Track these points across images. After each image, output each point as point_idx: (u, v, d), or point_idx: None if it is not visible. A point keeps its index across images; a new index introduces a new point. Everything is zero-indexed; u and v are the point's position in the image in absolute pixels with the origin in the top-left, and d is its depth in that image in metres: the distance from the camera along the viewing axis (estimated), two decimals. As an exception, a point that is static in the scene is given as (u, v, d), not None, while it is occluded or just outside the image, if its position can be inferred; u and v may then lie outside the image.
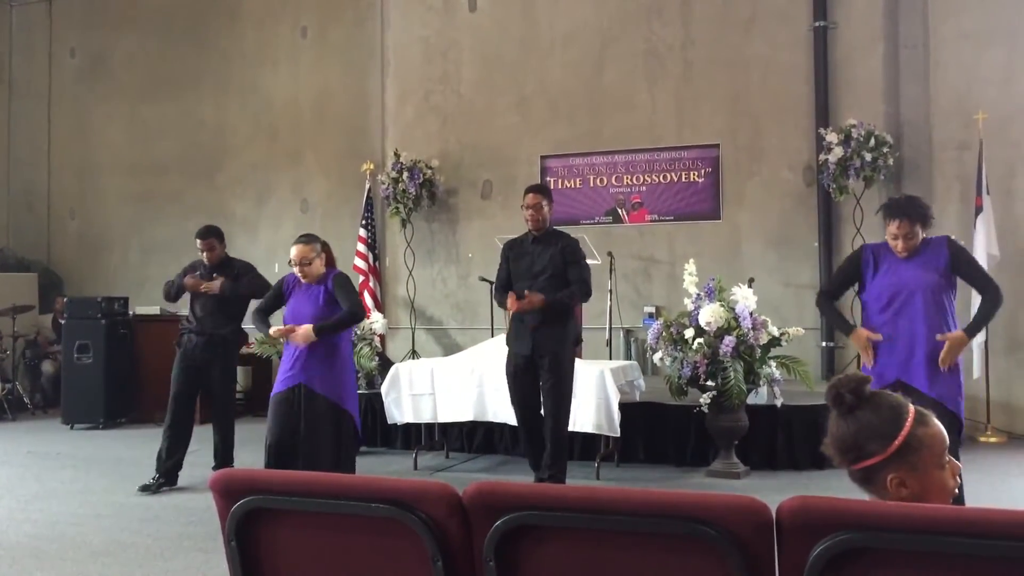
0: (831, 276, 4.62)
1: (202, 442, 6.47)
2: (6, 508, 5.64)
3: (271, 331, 5.13)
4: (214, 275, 6.17)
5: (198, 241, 6.21)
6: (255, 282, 6.15)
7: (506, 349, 5.81)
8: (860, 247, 4.46)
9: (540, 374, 5.53)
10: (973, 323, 4.34)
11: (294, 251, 5.11)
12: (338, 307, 5.09)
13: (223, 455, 6.24)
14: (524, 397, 5.63)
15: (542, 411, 5.63)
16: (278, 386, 5.07)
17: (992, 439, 7.48)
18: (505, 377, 5.79)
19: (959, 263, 4.21)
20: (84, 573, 4.35)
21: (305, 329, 4.95)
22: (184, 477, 6.14)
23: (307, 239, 5.17)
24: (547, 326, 5.50)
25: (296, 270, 5.13)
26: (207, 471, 5.73)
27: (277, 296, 5.28)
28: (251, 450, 6.56)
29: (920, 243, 4.19)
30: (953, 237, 4.35)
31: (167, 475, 6.03)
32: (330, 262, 5.27)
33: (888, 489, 1.76)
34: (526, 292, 5.41)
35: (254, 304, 5.60)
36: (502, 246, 5.94)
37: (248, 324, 5.94)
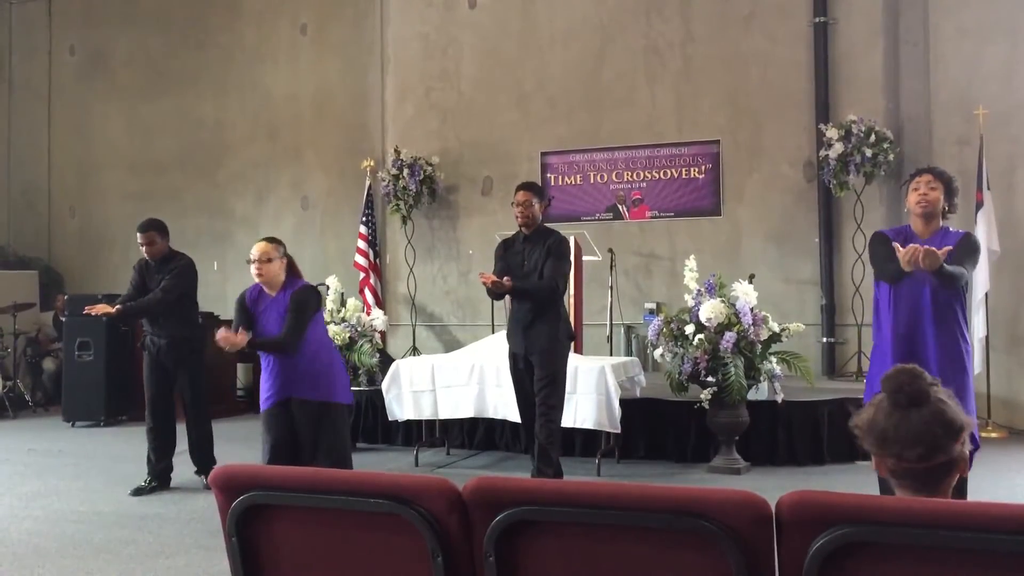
0: (877, 263, 4.27)
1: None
2: (7, 506, 5.64)
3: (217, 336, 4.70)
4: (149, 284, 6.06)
5: (138, 235, 6.05)
6: (171, 289, 5.92)
7: (506, 345, 5.84)
8: (875, 233, 4.23)
9: (534, 371, 5.55)
10: (949, 268, 3.80)
11: (255, 249, 4.79)
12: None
13: (199, 456, 6.10)
14: (524, 393, 5.65)
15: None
16: (266, 402, 4.79)
17: (993, 434, 7.48)
18: (508, 373, 5.82)
19: (960, 245, 3.95)
20: (86, 570, 4.35)
21: (241, 337, 4.61)
22: (184, 474, 6.14)
23: (270, 239, 4.89)
24: (538, 323, 5.51)
25: (253, 268, 4.78)
26: (208, 468, 5.73)
27: (243, 315, 4.86)
28: (250, 446, 6.56)
29: (940, 227, 4.06)
30: (973, 234, 4.15)
31: (159, 477, 6.00)
32: (295, 273, 4.96)
33: (951, 479, 1.74)
34: (505, 279, 5.42)
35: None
36: (497, 245, 5.95)
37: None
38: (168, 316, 5.99)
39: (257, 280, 4.82)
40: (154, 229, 6.06)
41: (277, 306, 4.79)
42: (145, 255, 6.10)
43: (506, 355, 5.80)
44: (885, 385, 1.78)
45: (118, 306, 5.92)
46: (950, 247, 3.84)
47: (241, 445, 6.38)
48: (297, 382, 4.75)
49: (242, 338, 4.61)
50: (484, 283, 5.43)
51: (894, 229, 4.25)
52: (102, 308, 5.83)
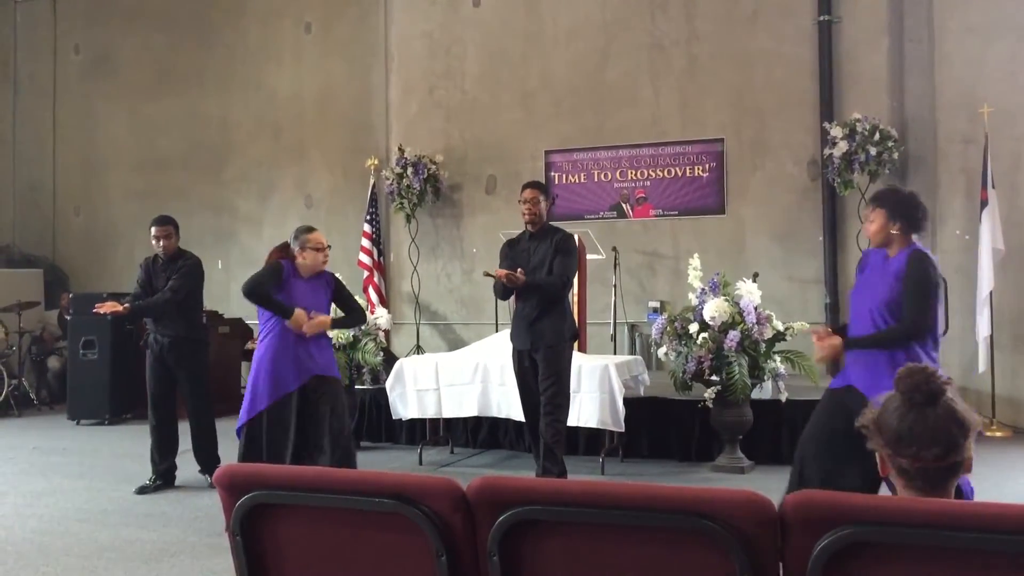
0: None
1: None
2: (12, 504, 5.66)
3: (304, 327, 4.95)
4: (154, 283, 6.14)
5: (154, 228, 6.08)
6: (179, 289, 5.97)
7: (510, 345, 5.83)
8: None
9: (538, 369, 5.54)
10: (861, 338, 3.86)
11: (320, 237, 5.13)
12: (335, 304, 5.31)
13: (203, 455, 6.12)
14: (528, 391, 5.65)
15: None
16: (289, 385, 4.97)
17: (997, 433, 7.46)
18: (512, 372, 5.81)
19: (904, 279, 3.74)
20: (90, 569, 4.36)
21: (323, 319, 5.06)
22: (188, 472, 6.15)
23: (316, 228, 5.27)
24: (543, 320, 5.51)
25: (320, 256, 5.11)
26: (212, 466, 5.75)
27: (277, 280, 5.05)
28: (256, 445, 6.56)
29: (904, 248, 3.83)
30: (921, 251, 3.82)
31: (163, 476, 6.01)
32: None
33: (956, 479, 1.74)
34: (519, 271, 5.42)
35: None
36: (502, 245, 5.95)
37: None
38: (171, 315, 6.01)
39: (322, 267, 5.18)
40: (171, 224, 6.16)
41: (310, 284, 5.11)
42: (159, 250, 6.13)
43: (510, 354, 5.81)
44: (900, 385, 1.77)
45: (126, 304, 5.96)
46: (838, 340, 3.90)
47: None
48: (317, 360, 5.06)
49: (327, 319, 5.09)
50: (499, 277, 5.43)
51: (872, 252, 4.09)
52: (111, 306, 5.87)
